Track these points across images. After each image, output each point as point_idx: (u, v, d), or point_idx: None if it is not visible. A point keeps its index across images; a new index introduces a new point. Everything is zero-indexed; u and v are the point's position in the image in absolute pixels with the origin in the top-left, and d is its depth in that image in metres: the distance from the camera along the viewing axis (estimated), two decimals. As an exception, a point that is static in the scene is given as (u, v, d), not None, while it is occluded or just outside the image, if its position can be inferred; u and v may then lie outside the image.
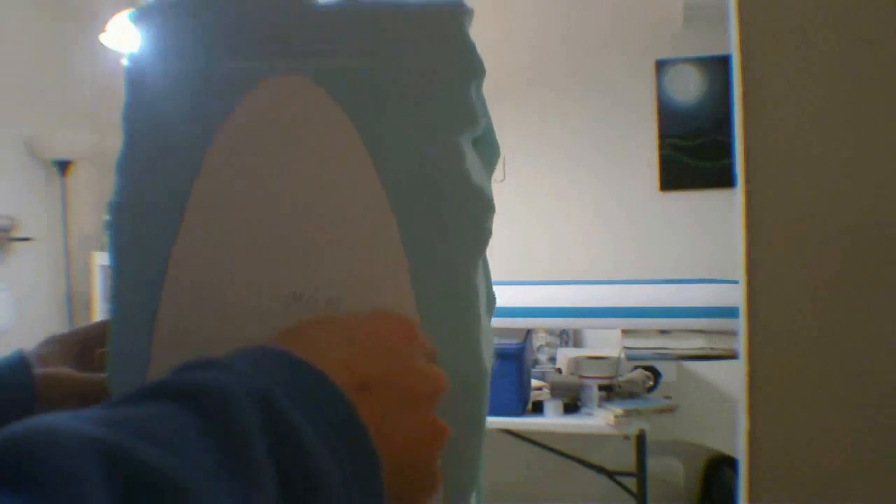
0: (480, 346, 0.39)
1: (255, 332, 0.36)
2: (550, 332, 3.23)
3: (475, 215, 0.39)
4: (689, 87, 3.28)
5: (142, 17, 0.41)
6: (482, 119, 0.40)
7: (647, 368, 2.82)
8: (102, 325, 0.49)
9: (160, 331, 0.39)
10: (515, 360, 2.53)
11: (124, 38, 2.56)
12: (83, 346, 0.50)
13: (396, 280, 0.38)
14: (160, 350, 0.39)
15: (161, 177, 0.40)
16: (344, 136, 0.39)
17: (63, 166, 3.56)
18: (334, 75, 0.39)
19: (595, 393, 2.63)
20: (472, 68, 0.39)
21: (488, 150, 0.43)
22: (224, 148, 0.39)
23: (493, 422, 2.56)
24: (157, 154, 0.41)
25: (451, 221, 0.39)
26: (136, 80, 0.41)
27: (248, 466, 0.25)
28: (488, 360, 0.39)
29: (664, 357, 2.62)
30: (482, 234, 0.39)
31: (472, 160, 0.40)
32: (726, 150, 3.13)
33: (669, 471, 3.08)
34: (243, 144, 0.39)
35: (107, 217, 0.41)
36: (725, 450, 2.82)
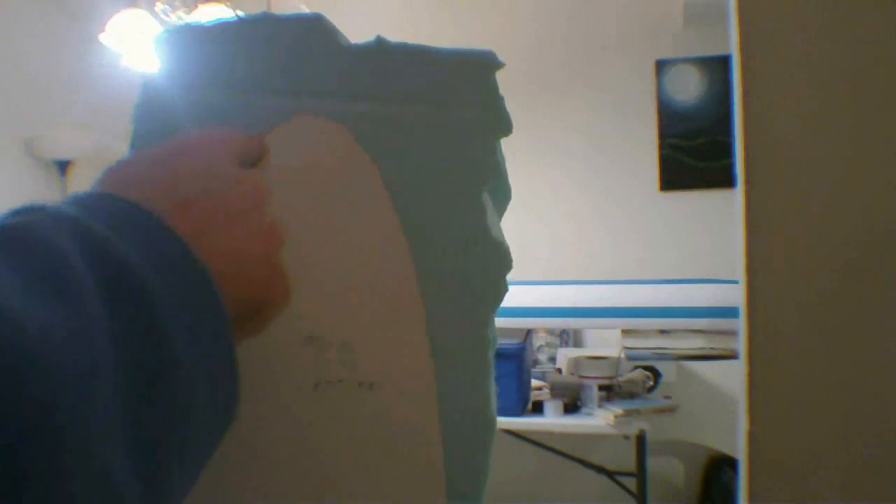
0: (490, 398, 0.39)
1: (265, 371, 0.36)
2: (550, 332, 3.23)
3: (493, 271, 0.39)
4: (689, 87, 3.28)
5: (168, 39, 0.40)
6: (503, 171, 0.40)
7: (647, 368, 2.82)
8: None
9: None
10: (515, 360, 2.53)
11: (125, 39, 2.56)
12: None
13: (411, 328, 0.38)
14: None
15: None
16: (368, 183, 0.38)
17: (63, 166, 3.56)
18: (363, 120, 0.39)
19: (595, 393, 2.63)
20: (500, 125, 0.39)
21: (501, 194, 0.43)
22: None
23: (493, 422, 2.55)
24: None
25: (470, 275, 0.39)
26: (153, 102, 0.40)
27: (64, 288, 0.24)
28: (495, 406, 0.40)
29: (664, 357, 2.62)
30: (499, 290, 0.39)
31: (491, 212, 0.40)
32: (726, 150, 3.13)
33: (669, 471, 3.08)
34: (266, 180, 0.38)
35: None
36: (725, 450, 2.82)
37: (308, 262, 0.38)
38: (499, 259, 0.39)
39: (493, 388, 0.40)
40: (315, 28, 0.39)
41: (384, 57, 0.39)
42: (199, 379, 0.28)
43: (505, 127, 0.39)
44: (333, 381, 0.38)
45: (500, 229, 0.41)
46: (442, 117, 0.39)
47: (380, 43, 0.39)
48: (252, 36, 0.40)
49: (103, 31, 2.57)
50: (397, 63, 0.39)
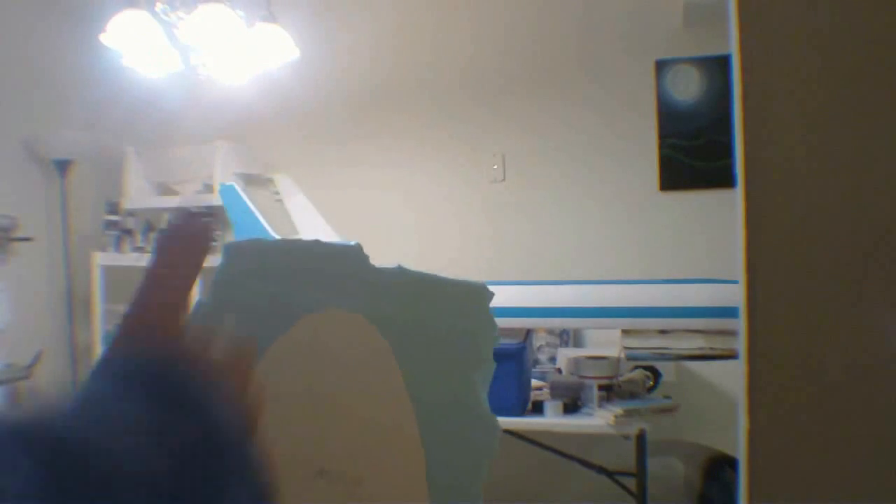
0: None
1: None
2: (550, 332, 3.23)
3: (485, 437, 0.48)
4: (689, 87, 3.28)
5: (234, 246, 0.53)
6: (493, 362, 0.50)
7: (647, 368, 2.82)
8: None
9: None
10: (515, 360, 2.53)
11: (125, 39, 2.56)
12: None
13: (413, 473, 0.47)
14: None
15: None
16: (384, 359, 0.49)
17: (63, 166, 3.55)
18: (384, 318, 0.50)
19: (595, 393, 2.62)
20: (489, 334, 0.50)
21: (488, 369, 0.52)
22: (281, 348, 0.49)
23: (493, 422, 2.55)
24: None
25: (464, 437, 0.48)
26: (217, 292, 0.52)
27: None
28: None
29: (664, 357, 2.62)
30: (489, 454, 0.48)
31: (482, 391, 0.49)
32: (726, 150, 3.12)
33: (669, 471, 3.08)
34: (299, 348, 0.49)
35: None
36: (725, 450, 2.82)
37: (325, 414, 0.48)
38: (487, 427, 0.48)
39: None
40: (353, 253, 0.52)
41: (404, 277, 0.51)
42: None
43: (494, 334, 0.50)
44: None
45: (487, 404, 0.50)
46: (446, 324, 0.50)
47: (400, 268, 0.51)
48: (303, 251, 0.53)
49: (103, 31, 2.57)
50: (414, 283, 0.51)
